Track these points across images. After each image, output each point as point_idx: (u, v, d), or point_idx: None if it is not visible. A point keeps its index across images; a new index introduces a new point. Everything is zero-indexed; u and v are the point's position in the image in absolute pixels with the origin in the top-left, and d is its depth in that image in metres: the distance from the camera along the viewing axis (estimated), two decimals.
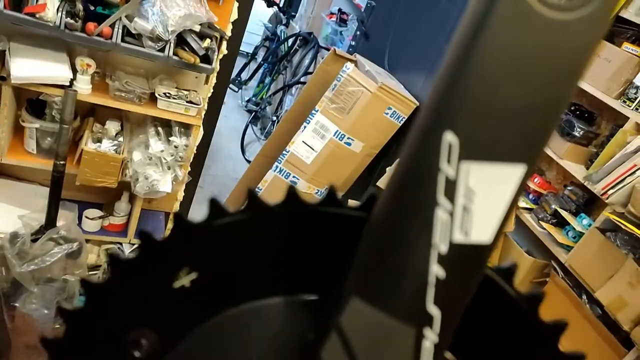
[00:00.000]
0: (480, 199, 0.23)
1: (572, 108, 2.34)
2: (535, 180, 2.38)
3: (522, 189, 0.24)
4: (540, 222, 2.24)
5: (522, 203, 2.34)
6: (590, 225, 2.09)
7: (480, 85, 0.22)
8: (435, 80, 0.23)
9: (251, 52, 4.84)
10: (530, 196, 2.38)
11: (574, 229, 2.13)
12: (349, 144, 2.65)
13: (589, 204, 2.22)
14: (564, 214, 2.18)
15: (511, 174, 0.23)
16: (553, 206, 2.22)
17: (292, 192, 0.27)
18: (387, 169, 2.36)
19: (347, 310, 0.25)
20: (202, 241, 0.27)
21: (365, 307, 0.25)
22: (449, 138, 0.22)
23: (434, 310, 0.24)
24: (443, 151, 0.22)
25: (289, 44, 4.35)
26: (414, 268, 0.24)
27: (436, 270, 0.24)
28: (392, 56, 3.05)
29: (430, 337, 0.25)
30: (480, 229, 0.23)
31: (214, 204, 0.27)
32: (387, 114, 2.62)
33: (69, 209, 1.98)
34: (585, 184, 2.11)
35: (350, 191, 2.87)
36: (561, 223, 2.22)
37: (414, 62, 2.75)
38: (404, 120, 2.68)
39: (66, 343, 0.28)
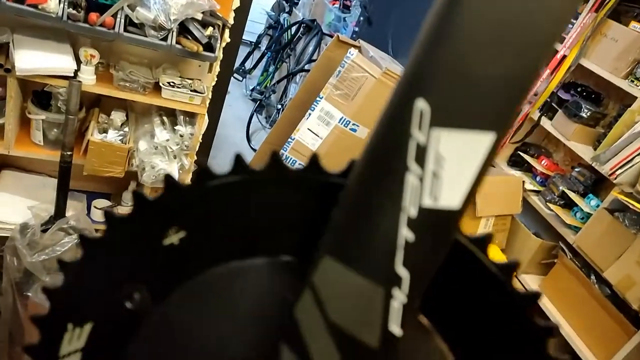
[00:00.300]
0: (450, 166, 0.23)
1: (579, 89, 2.31)
2: (543, 162, 2.37)
3: (492, 157, 0.24)
4: (548, 203, 2.23)
5: (530, 185, 2.32)
6: (598, 206, 2.08)
7: (455, 54, 0.21)
8: (412, 50, 0.23)
9: (255, 40, 4.83)
10: (538, 178, 2.37)
11: (582, 210, 2.12)
12: (354, 130, 2.64)
13: (597, 184, 2.21)
14: (572, 195, 2.17)
15: (481, 141, 0.23)
16: (561, 187, 2.21)
17: (276, 159, 0.29)
18: None
19: (320, 269, 0.26)
20: (190, 202, 0.29)
21: (337, 266, 0.25)
22: (421, 105, 0.22)
23: (402, 272, 0.25)
24: (415, 118, 0.22)
25: (292, 32, 4.33)
26: (384, 230, 0.24)
27: (405, 234, 0.24)
28: (395, 41, 3.04)
29: (399, 298, 0.25)
30: (450, 194, 0.24)
31: (203, 168, 0.29)
32: None
33: (78, 199, 1.99)
34: (593, 164, 2.10)
35: None
36: (569, 204, 2.21)
37: None
38: None
39: (65, 293, 0.30)
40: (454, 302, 0.29)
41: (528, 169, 2.45)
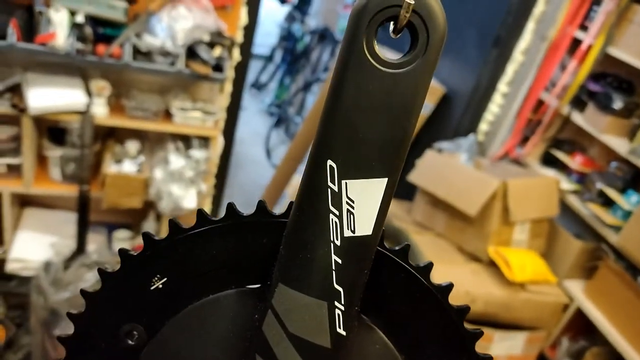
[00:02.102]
0: (359, 205, 0.32)
1: (609, 79, 2.19)
2: (577, 158, 2.24)
3: (390, 194, 0.32)
4: (585, 203, 2.11)
5: (566, 184, 2.20)
6: (639, 202, 1.95)
7: (346, 126, 0.30)
8: (318, 123, 0.32)
9: (268, 54, 4.81)
10: (573, 176, 2.25)
11: (622, 208, 2.00)
12: None
13: (637, 178, 2.08)
14: (610, 192, 2.04)
15: (378, 185, 0.32)
16: (598, 185, 2.08)
17: (231, 209, 0.35)
18: (417, 161, 2.27)
19: (276, 294, 0.34)
20: (166, 253, 0.35)
21: (288, 290, 0.33)
22: (330, 164, 0.31)
23: (338, 288, 0.33)
24: (328, 173, 0.31)
25: (306, 42, 4.29)
26: (320, 259, 0.33)
27: (335, 259, 0.32)
28: None
29: (339, 307, 0.33)
30: (362, 225, 0.32)
31: (172, 223, 0.35)
32: None
33: (99, 232, 1.98)
34: (629, 159, 1.97)
35: None
36: (608, 202, 2.08)
37: None
38: (431, 109, 2.59)
39: (76, 338, 0.36)
40: (387, 302, 0.37)
41: (562, 167, 2.33)
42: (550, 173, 2.30)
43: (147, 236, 0.35)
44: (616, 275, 1.93)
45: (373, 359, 0.37)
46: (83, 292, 0.36)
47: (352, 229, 0.32)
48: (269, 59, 4.79)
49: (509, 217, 1.99)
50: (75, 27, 1.55)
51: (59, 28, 1.53)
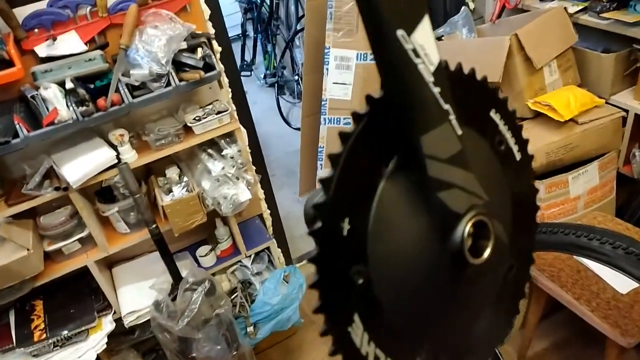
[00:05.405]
0: (426, 45, 0.42)
1: None
2: None
3: (432, 26, 0.43)
4: (601, 15, 2.04)
5: (572, 8, 2.13)
6: None
7: None
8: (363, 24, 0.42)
9: (241, 32, 4.77)
10: None
11: (638, 2, 1.92)
12: None
13: None
14: None
15: (426, 24, 0.42)
16: None
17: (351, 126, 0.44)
18: None
19: (424, 145, 0.44)
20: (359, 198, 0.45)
21: (426, 136, 0.44)
22: (401, 33, 0.41)
23: (446, 107, 0.45)
24: (402, 40, 0.41)
25: (269, 3, 4.22)
26: (429, 99, 0.43)
27: (435, 90, 0.44)
28: None
29: (452, 118, 0.45)
30: (434, 57, 0.43)
31: (331, 156, 0.43)
32: None
33: (184, 257, 2.11)
34: None
35: None
36: (622, 3, 2.01)
37: None
38: None
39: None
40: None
41: None
42: (554, 4, 2.23)
43: (322, 181, 0.43)
44: None
45: (467, 135, 0.48)
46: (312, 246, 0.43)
47: (432, 62, 0.43)
48: (243, 36, 4.75)
49: (534, 66, 1.97)
50: (68, 94, 1.62)
51: (56, 102, 1.60)
